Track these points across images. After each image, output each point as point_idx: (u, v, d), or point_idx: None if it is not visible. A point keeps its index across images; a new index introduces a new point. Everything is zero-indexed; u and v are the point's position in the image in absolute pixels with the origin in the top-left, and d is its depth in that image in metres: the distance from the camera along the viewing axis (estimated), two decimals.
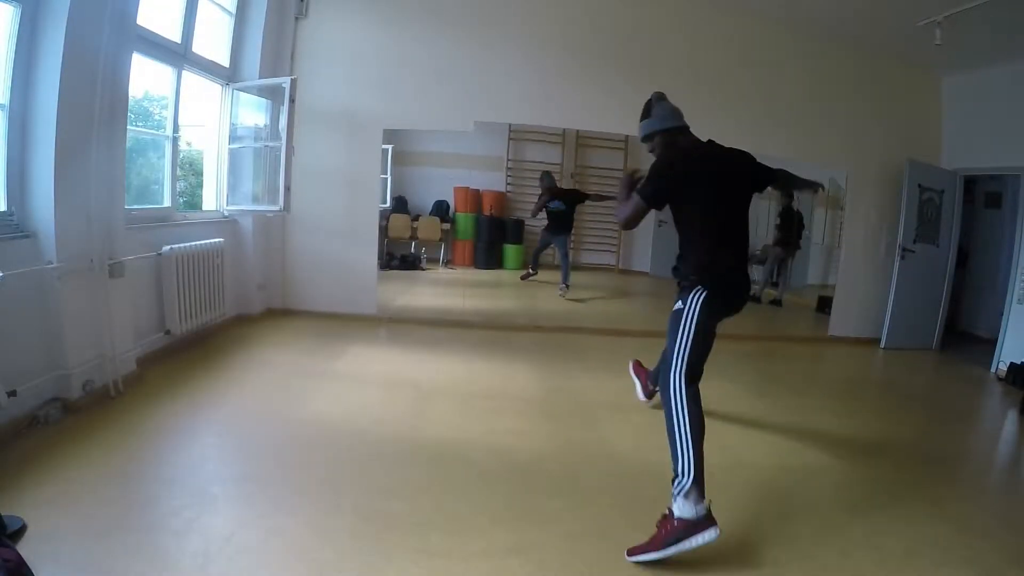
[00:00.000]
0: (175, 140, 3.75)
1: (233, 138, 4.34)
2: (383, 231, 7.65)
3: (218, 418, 2.75)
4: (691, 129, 2.23)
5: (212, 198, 4.34)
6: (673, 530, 1.79)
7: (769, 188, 2.37)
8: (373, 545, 1.82)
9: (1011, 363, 4.42)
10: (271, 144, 4.38)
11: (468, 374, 3.68)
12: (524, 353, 4.25)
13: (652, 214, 2.21)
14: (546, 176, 6.94)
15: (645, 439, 2.81)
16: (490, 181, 8.98)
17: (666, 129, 2.21)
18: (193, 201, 4.38)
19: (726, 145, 2.19)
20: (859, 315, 5.45)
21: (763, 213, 8.92)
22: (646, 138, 2.27)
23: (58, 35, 2.43)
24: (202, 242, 3.79)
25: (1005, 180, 5.83)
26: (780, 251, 7.32)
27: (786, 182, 2.40)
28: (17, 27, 2.40)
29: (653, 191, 2.05)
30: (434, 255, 8.62)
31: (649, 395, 3.18)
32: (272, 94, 4.45)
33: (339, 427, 2.69)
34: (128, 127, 2.99)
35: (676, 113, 2.23)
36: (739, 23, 4.99)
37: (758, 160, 2.25)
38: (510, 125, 8.58)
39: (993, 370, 4.65)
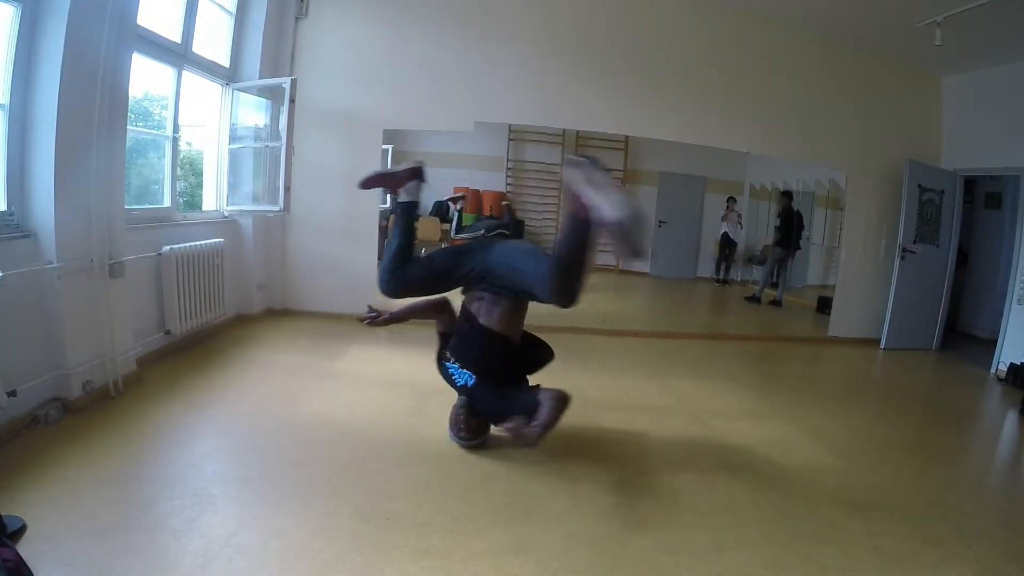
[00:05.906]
0: (175, 140, 3.75)
1: (233, 138, 4.33)
2: (383, 231, 7.63)
3: (218, 418, 2.75)
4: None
5: (212, 198, 4.34)
6: None
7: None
8: (373, 545, 1.82)
9: (1011, 364, 4.43)
10: (271, 144, 4.39)
11: None
12: None
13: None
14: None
15: (645, 439, 2.82)
16: (490, 181, 8.98)
17: None
18: (193, 201, 4.38)
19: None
20: (859, 315, 5.45)
21: (763, 213, 8.93)
22: None
23: (58, 35, 2.43)
24: (202, 242, 3.78)
25: (1005, 180, 5.84)
26: (780, 251, 7.32)
27: None
28: (17, 27, 2.40)
29: None
30: None
31: None
32: (272, 94, 4.45)
33: (339, 427, 2.69)
34: (128, 127, 2.98)
35: None
36: (738, 24, 4.98)
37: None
38: (510, 125, 8.57)
39: (993, 371, 4.65)
